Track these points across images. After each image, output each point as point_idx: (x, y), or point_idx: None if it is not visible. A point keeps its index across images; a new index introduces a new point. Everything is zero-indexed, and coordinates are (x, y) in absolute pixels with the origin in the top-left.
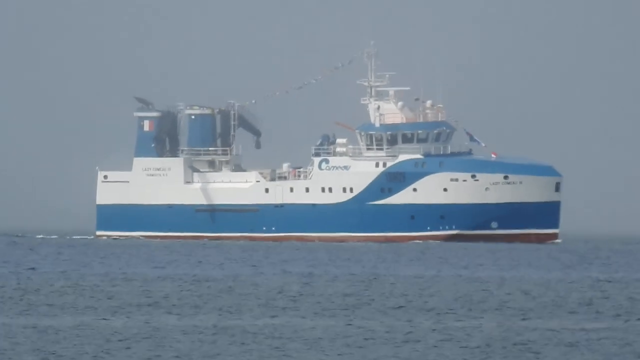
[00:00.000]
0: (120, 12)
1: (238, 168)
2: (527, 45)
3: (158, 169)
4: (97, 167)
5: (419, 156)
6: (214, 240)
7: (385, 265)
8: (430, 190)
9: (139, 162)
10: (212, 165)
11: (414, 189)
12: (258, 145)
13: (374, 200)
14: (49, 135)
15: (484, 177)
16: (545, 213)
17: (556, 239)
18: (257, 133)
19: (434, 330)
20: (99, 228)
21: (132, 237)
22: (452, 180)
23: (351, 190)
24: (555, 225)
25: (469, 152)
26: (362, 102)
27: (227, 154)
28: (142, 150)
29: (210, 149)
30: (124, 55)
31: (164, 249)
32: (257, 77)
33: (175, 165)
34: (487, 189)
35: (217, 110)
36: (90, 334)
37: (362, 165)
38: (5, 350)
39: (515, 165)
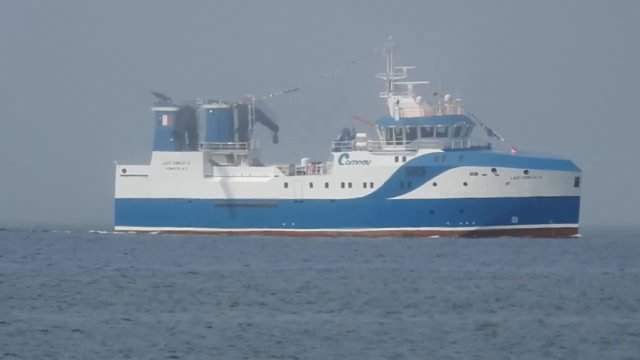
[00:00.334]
0: (139, 8)
1: (256, 162)
2: (547, 39)
3: (177, 163)
4: (115, 161)
5: (439, 150)
6: (234, 235)
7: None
8: (450, 184)
9: (158, 156)
10: (231, 160)
11: (434, 184)
12: (275, 140)
13: (394, 196)
14: (68, 130)
15: (504, 172)
16: (565, 208)
17: (576, 233)
18: (274, 128)
19: None
20: (118, 223)
21: (151, 232)
22: (472, 174)
23: (371, 185)
24: (575, 220)
25: (488, 147)
26: (380, 96)
27: (245, 149)
28: (161, 144)
29: (228, 143)
30: (142, 50)
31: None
32: (275, 71)
33: (195, 159)
34: (507, 183)
35: (235, 104)
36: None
37: (382, 159)
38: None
39: (535, 159)
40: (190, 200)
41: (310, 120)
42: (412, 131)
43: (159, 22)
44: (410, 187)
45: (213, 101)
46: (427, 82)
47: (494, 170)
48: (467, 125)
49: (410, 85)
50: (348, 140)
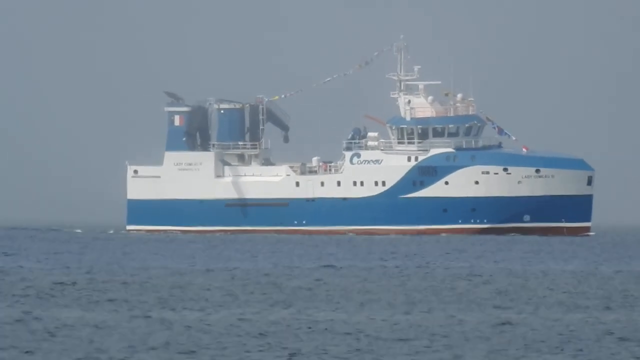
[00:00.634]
0: (152, 8)
1: (267, 162)
2: (559, 38)
3: (190, 164)
4: (126, 162)
5: (450, 150)
6: (246, 234)
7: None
8: (462, 183)
9: (171, 157)
10: (242, 160)
11: (446, 182)
12: (286, 140)
13: (406, 194)
14: (81, 130)
15: (516, 171)
16: (578, 207)
17: (588, 232)
18: (285, 128)
19: None
20: (130, 222)
21: (165, 231)
22: (483, 173)
23: (383, 183)
24: (588, 219)
25: (499, 146)
26: (391, 95)
27: (256, 148)
28: (173, 144)
29: (239, 143)
30: (154, 50)
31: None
32: (286, 71)
33: (206, 159)
34: (519, 182)
35: (247, 104)
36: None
37: (394, 159)
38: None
39: (547, 158)
40: (202, 201)
41: (320, 120)
42: (423, 131)
43: (172, 22)
44: (423, 185)
45: (224, 101)
46: (439, 82)
47: (505, 169)
48: (479, 125)
49: (421, 85)
50: (359, 139)
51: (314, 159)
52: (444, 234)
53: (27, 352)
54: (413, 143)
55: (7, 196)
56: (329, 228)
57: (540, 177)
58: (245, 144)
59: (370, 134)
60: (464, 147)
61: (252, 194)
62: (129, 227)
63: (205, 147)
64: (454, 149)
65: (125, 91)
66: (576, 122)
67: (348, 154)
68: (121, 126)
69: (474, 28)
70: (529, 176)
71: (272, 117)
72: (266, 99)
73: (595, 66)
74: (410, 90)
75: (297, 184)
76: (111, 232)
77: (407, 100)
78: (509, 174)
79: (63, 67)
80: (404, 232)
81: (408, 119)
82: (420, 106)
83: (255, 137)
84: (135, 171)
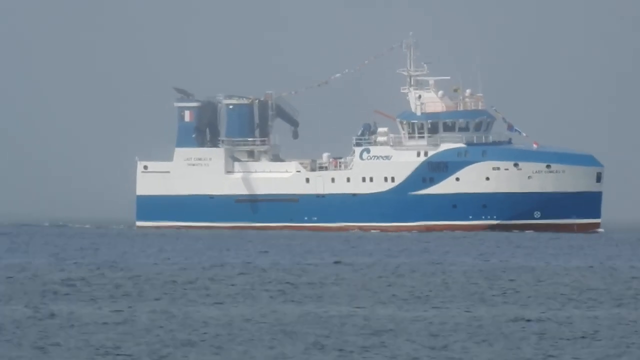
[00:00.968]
0: (161, 3)
1: (276, 158)
2: (570, 33)
3: (200, 159)
4: (136, 158)
5: (461, 145)
6: (257, 230)
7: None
8: (472, 179)
9: (181, 153)
10: (252, 155)
11: (457, 179)
12: (295, 136)
13: (416, 190)
14: (91, 126)
15: (526, 166)
16: (587, 203)
17: (598, 228)
18: (294, 123)
19: None
20: (139, 218)
21: (175, 227)
22: (494, 169)
23: (393, 180)
24: (597, 215)
25: (509, 142)
26: (401, 91)
27: (265, 144)
28: (183, 140)
29: (248, 139)
30: (164, 46)
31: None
32: (296, 67)
33: (216, 155)
34: (529, 177)
35: (256, 100)
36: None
37: (404, 154)
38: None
39: (557, 154)
40: (212, 197)
41: (330, 116)
42: (433, 126)
43: (181, 17)
44: (433, 181)
45: (233, 97)
46: (448, 77)
47: (516, 165)
48: (489, 120)
49: (431, 80)
50: (369, 135)
51: (324, 155)
52: (457, 231)
53: (38, 347)
54: (423, 137)
55: (13, 195)
56: (339, 224)
57: (550, 172)
58: (254, 140)
59: (380, 129)
60: (474, 142)
61: (262, 190)
62: (138, 224)
63: (214, 142)
64: (465, 144)
65: (127, 90)
66: (587, 118)
67: (358, 150)
68: (127, 124)
69: (474, 28)
70: (539, 171)
71: (282, 113)
72: (275, 95)
73: (606, 62)
74: (421, 85)
75: (307, 180)
76: (121, 226)
77: (417, 95)
78: (520, 169)
79: (63, 67)
80: (413, 229)
81: (419, 113)
82: (430, 101)
83: (264, 133)
84: (145, 167)
